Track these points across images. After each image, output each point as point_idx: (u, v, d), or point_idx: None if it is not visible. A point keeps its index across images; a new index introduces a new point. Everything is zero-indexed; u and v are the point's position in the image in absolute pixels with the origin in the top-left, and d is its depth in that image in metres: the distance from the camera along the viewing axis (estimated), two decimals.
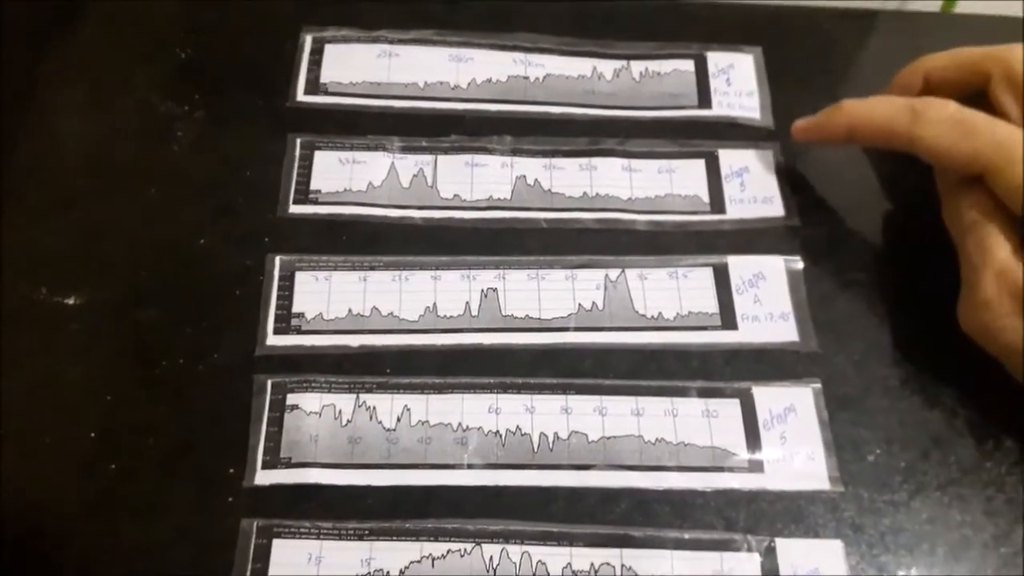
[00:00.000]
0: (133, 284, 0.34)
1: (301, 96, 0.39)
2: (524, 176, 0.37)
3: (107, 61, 0.40)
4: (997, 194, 0.30)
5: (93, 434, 0.31)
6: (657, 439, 0.31)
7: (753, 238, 0.36)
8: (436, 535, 0.30)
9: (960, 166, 0.31)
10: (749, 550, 0.30)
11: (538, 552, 0.29)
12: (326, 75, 0.39)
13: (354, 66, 0.40)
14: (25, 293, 0.34)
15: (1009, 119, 0.32)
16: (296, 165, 0.37)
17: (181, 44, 0.40)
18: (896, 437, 0.32)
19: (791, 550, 0.30)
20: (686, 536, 0.30)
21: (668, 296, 0.35)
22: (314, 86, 0.39)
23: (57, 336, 0.33)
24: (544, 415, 0.32)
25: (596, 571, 0.29)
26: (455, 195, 0.37)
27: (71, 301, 0.34)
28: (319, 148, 0.37)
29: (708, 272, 0.35)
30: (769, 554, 0.30)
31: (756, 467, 0.31)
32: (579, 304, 0.34)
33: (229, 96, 0.39)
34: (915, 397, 0.33)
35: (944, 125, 0.31)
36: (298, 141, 0.38)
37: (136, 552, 0.30)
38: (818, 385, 0.33)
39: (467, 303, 0.34)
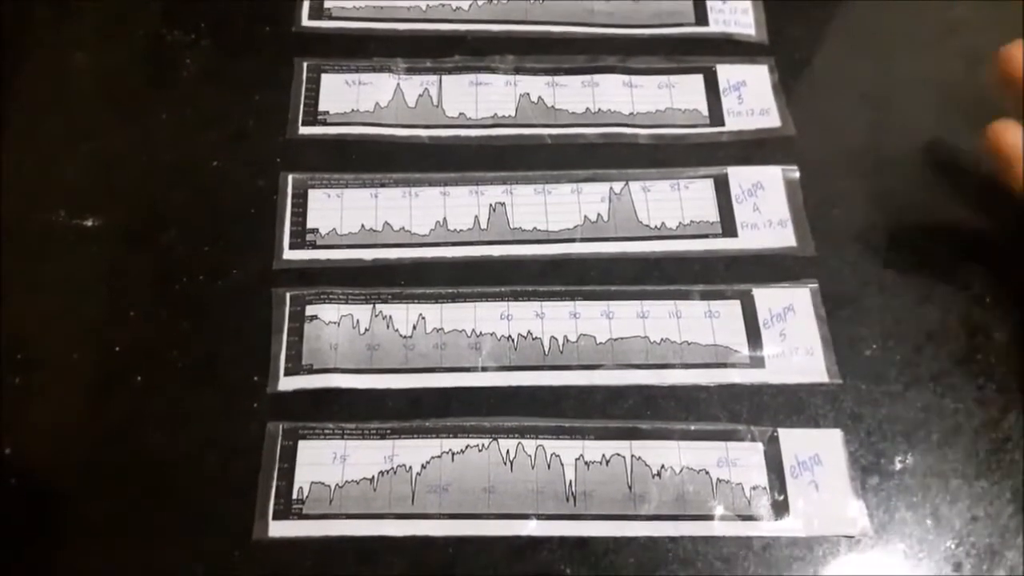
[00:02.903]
0: (150, 207, 0.35)
1: (305, 21, 0.39)
2: (528, 94, 0.38)
3: None
4: None
5: (118, 348, 0.32)
6: (662, 339, 0.33)
7: (751, 149, 0.37)
8: (455, 432, 0.31)
9: None
10: (753, 440, 0.31)
11: (552, 445, 0.31)
12: None
13: None
14: (46, 219, 0.35)
15: None
16: (304, 88, 0.38)
17: None
18: (891, 332, 0.33)
19: (793, 439, 0.31)
20: (692, 428, 0.31)
21: (670, 206, 0.36)
22: (318, 11, 0.40)
23: (79, 258, 0.34)
24: (554, 320, 0.33)
25: (607, 461, 0.31)
26: (460, 114, 0.37)
27: (90, 223, 0.35)
28: (325, 71, 0.38)
29: (709, 183, 0.36)
30: (772, 443, 0.31)
31: (757, 363, 0.32)
32: (585, 216, 0.35)
33: (235, 24, 0.40)
34: (908, 295, 0.34)
35: None
36: (304, 65, 0.38)
37: (167, 459, 0.31)
38: (815, 285, 0.34)
39: (476, 217, 0.35)
